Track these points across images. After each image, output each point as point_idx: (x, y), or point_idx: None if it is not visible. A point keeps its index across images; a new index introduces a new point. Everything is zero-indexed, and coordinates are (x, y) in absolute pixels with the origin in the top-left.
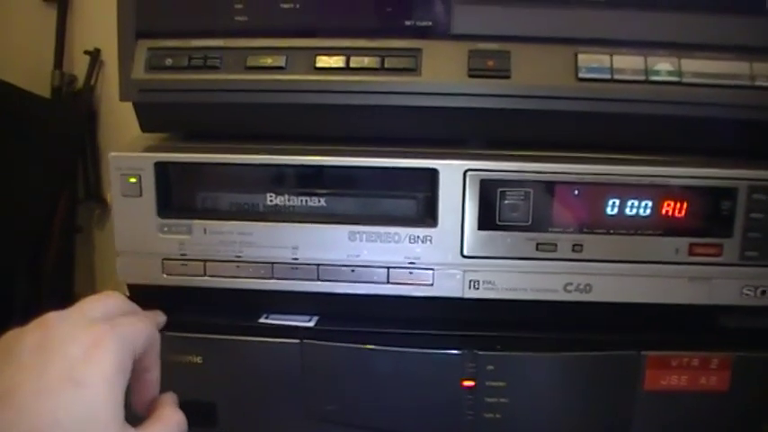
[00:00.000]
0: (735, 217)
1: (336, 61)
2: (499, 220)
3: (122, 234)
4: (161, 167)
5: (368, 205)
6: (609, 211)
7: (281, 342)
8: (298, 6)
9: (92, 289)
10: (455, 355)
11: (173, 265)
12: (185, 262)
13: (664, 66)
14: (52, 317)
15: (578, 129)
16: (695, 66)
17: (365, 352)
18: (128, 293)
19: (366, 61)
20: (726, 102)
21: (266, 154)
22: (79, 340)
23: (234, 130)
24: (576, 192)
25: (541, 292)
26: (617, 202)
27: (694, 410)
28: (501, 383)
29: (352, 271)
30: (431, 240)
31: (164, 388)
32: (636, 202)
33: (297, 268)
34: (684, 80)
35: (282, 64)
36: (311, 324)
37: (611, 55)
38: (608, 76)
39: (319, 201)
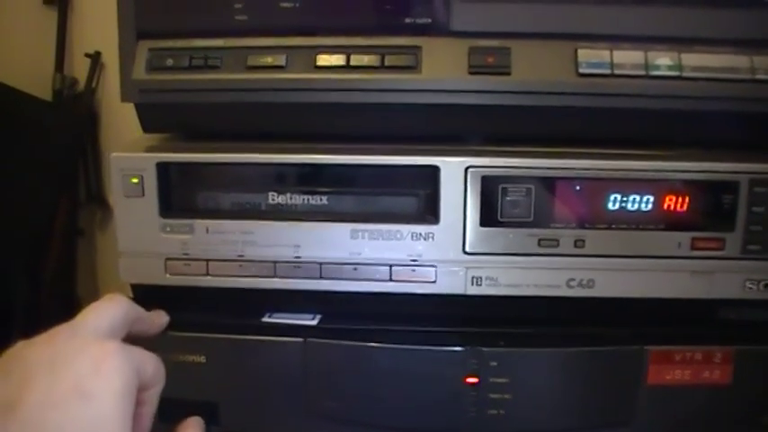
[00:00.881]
0: (737, 210)
1: (337, 59)
2: (501, 217)
3: (125, 234)
4: (163, 167)
5: (369, 203)
6: (610, 206)
7: (284, 341)
8: (297, 5)
9: (94, 292)
10: (458, 351)
11: (175, 265)
12: (188, 262)
13: (664, 60)
14: (61, 331)
15: (579, 124)
16: (695, 60)
17: (368, 350)
18: (131, 294)
19: (366, 59)
20: (726, 95)
21: (267, 153)
22: (88, 354)
23: (235, 130)
24: (578, 187)
25: (544, 288)
26: (618, 197)
27: (697, 404)
28: (504, 380)
29: (355, 269)
30: (433, 237)
31: (167, 388)
32: (637, 197)
33: (299, 267)
34: (684, 74)
35: (283, 63)
36: (314, 322)
37: (611, 50)
38: (608, 71)
39: (321, 199)
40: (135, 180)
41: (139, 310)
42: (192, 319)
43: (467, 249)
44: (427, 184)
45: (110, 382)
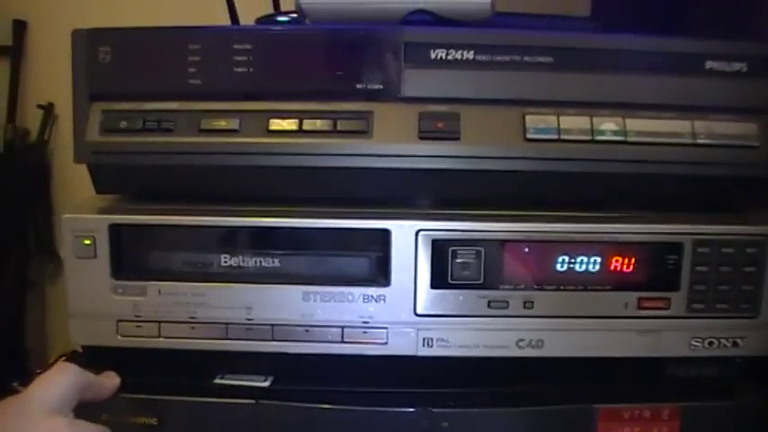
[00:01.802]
0: (681, 271)
1: (289, 124)
2: (451, 279)
3: (76, 295)
4: (115, 229)
5: (322, 265)
6: (559, 267)
7: (236, 403)
8: (251, 70)
9: (43, 344)
10: (409, 412)
11: (127, 327)
12: (140, 323)
13: (609, 125)
14: (9, 409)
15: (528, 187)
16: (639, 125)
17: (320, 411)
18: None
19: (319, 124)
20: (669, 159)
21: (220, 215)
22: None
23: (188, 192)
24: (527, 249)
25: (494, 349)
26: (566, 258)
27: None
28: None
29: (307, 331)
30: (384, 299)
31: None
32: (585, 259)
33: (251, 329)
34: (629, 139)
35: (236, 127)
36: (266, 384)
37: (558, 115)
38: (555, 136)
39: (273, 261)
40: (87, 242)
41: (90, 377)
42: (144, 380)
43: (418, 311)
44: (379, 247)
45: None
